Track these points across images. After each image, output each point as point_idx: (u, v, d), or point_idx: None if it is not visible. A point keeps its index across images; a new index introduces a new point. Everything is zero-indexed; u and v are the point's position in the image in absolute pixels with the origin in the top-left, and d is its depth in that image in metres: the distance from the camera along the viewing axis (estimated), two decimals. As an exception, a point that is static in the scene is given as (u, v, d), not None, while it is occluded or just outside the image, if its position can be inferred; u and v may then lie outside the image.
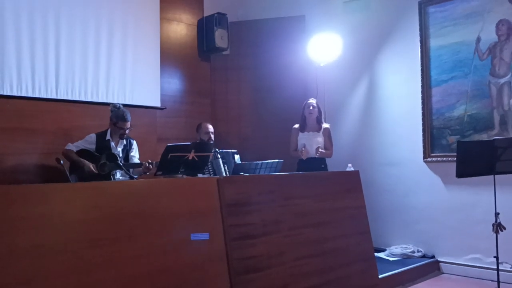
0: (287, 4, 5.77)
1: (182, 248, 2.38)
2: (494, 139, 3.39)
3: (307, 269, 3.00)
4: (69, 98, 4.44)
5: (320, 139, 4.62)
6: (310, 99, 4.75)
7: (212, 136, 4.69)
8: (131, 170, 4.02)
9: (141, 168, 3.96)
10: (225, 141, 5.40)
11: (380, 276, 3.71)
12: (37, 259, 1.90)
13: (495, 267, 3.46)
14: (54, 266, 1.94)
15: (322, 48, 5.16)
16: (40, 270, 1.89)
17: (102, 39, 4.71)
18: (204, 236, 2.71)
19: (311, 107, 4.64)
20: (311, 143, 4.58)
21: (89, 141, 4.06)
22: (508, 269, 4.10)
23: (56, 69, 4.37)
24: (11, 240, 1.87)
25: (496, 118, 4.28)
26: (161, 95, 5.21)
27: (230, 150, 4.67)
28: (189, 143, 3.74)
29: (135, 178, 3.98)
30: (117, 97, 4.77)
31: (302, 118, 4.71)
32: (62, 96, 4.39)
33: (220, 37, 5.58)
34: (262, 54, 5.72)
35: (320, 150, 4.52)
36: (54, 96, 4.34)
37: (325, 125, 4.71)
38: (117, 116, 4.07)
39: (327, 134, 4.68)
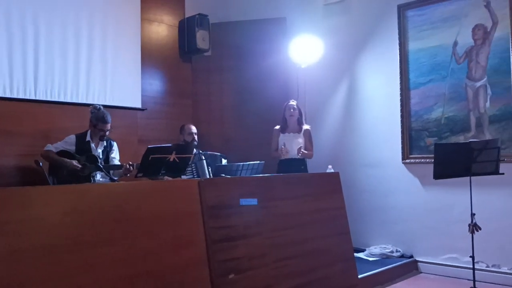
0: (268, 6, 5.80)
1: (163, 251, 2.38)
2: (470, 142, 3.48)
3: (288, 270, 3.03)
4: (48, 99, 4.39)
5: (300, 140, 4.67)
6: (291, 100, 4.80)
7: (196, 137, 4.71)
8: (111, 171, 4.00)
9: (121, 170, 3.95)
10: (207, 143, 5.40)
11: (359, 276, 3.76)
12: (16, 264, 1.89)
13: (471, 266, 3.55)
14: (33, 271, 1.92)
15: (303, 50, 5.20)
16: (19, 275, 1.88)
17: (82, 39, 4.67)
18: (253, 201, 2.87)
19: (291, 109, 4.68)
20: (291, 144, 4.62)
21: (68, 143, 4.02)
22: (484, 268, 4.20)
23: (34, 69, 4.31)
24: (-12, 245, 1.85)
25: (473, 121, 4.37)
26: (142, 96, 5.18)
27: (218, 153, 4.67)
28: (170, 144, 3.74)
29: (116, 179, 3.96)
30: (98, 98, 4.73)
31: (283, 120, 4.74)
32: (41, 97, 4.34)
33: (202, 38, 5.58)
34: (243, 55, 5.74)
35: (302, 150, 4.57)
36: (32, 97, 4.28)
37: (305, 127, 4.76)
38: (97, 118, 4.04)
39: (308, 135, 4.73)
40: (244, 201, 2.90)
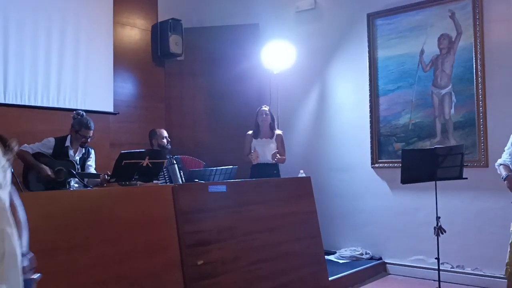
0: (242, 12, 5.86)
1: (137, 256, 2.40)
2: (435, 148, 3.61)
3: (260, 273, 3.09)
4: (18, 102, 4.33)
5: (273, 146, 4.73)
6: (263, 106, 4.85)
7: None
8: (86, 179, 3.97)
9: (98, 180, 3.90)
10: (180, 146, 5.41)
11: (330, 278, 3.85)
12: (-11, 271, 1.88)
13: (437, 267, 3.68)
14: (6, 277, 1.92)
15: (276, 56, 5.28)
16: (-8, 281, 1.87)
17: (54, 42, 4.63)
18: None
19: (264, 115, 4.74)
20: (264, 150, 4.68)
21: (47, 145, 3.95)
22: (449, 269, 4.35)
23: (4, 72, 4.24)
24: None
25: (438, 127, 4.53)
26: (114, 100, 5.16)
27: (204, 162, 4.68)
28: (143, 150, 3.75)
29: (90, 187, 3.93)
30: (69, 102, 4.70)
31: (256, 125, 4.79)
32: (10, 100, 4.27)
33: (175, 43, 5.60)
34: (216, 60, 5.78)
35: (277, 156, 4.61)
36: (2, 101, 4.21)
37: (278, 132, 4.82)
38: (81, 123, 3.99)
39: (280, 140, 4.79)
40: (212, 188, 3.00)
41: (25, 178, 3.85)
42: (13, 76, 4.30)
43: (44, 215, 2.12)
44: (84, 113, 4.09)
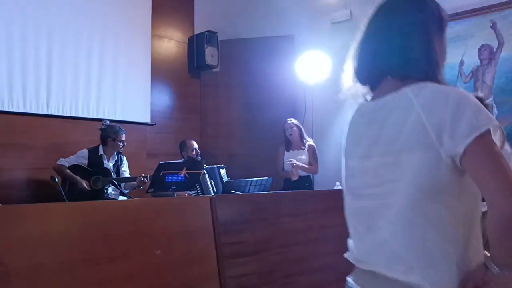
0: (277, 23, 5.89)
1: (176, 267, 2.42)
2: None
3: (297, 286, 3.06)
4: (60, 113, 4.47)
5: (304, 157, 4.68)
6: (288, 120, 4.80)
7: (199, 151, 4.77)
8: (123, 184, 4.08)
9: (135, 182, 4.02)
10: (213, 157, 5.45)
11: (367, 293, 3.77)
12: (34, 279, 1.93)
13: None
14: (50, 286, 1.96)
15: (311, 68, 5.27)
16: (38, 289, 1.92)
17: (94, 55, 4.77)
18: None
19: (289, 128, 4.71)
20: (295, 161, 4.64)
21: (81, 156, 4.10)
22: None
23: (47, 84, 4.39)
24: (7, 261, 1.89)
25: (479, 139, 4.40)
26: (151, 111, 5.26)
27: (215, 166, 4.71)
28: (181, 160, 3.81)
29: (126, 192, 4.03)
30: (108, 113, 4.81)
31: (286, 139, 4.77)
32: (53, 111, 4.42)
33: (210, 55, 5.67)
34: (251, 72, 5.81)
35: (295, 167, 4.52)
36: (45, 112, 4.36)
37: (309, 142, 4.78)
38: (115, 131, 4.14)
39: (311, 151, 4.75)
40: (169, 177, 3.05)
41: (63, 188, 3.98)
42: (56, 88, 4.45)
43: (88, 225, 2.16)
44: (108, 121, 4.25)
